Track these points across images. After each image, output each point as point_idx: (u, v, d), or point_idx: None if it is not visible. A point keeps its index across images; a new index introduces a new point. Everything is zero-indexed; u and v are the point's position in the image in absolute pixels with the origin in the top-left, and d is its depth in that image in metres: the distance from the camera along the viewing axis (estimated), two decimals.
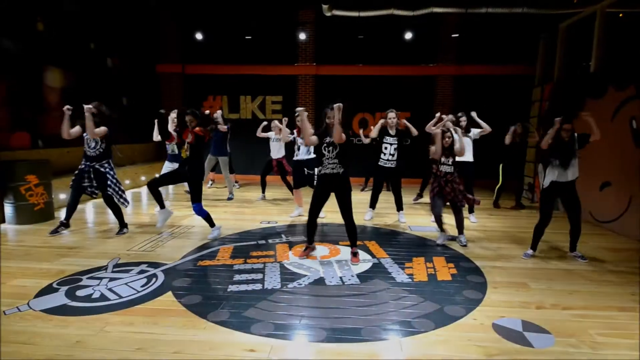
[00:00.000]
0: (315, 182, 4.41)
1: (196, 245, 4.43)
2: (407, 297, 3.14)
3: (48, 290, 3.18)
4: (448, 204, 4.61)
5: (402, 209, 5.71)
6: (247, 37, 9.21)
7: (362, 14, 7.57)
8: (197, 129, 4.35)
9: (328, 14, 7.59)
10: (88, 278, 3.44)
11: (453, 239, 4.65)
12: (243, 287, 3.28)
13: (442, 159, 4.48)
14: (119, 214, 4.81)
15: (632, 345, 2.51)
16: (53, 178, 5.48)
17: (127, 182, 8.12)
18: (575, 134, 4.00)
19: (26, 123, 5.92)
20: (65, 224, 4.77)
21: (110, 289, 3.21)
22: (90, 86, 7.47)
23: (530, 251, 4.19)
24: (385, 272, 3.69)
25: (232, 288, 3.27)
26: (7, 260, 3.87)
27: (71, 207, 4.74)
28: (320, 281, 3.45)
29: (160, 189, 4.64)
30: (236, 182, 8.49)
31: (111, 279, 3.42)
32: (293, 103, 9.80)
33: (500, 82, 9.31)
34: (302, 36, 9.33)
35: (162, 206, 4.68)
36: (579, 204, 4.01)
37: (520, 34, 8.77)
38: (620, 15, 7.09)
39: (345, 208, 3.84)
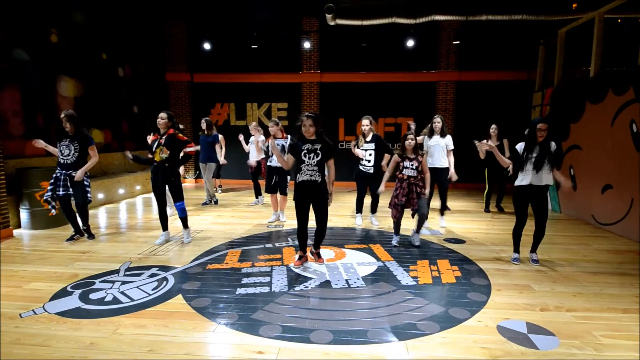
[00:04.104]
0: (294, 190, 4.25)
1: (205, 249, 4.44)
2: (412, 300, 3.13)
3: (62, 293, 3.21)
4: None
5: (375, 212, 5.71)
6: (253, 47, 9.29)
7: (365, 22, 7.60)
8: (180, 135, 4.44)
9: (332, 23, 7.64)
10: (101, 281, 3.46)
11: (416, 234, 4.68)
12: (251, 290, 3.29)
13: (406, 162, 4.36)
14: (85, 221, 4.78)
15: (636, 347, 2.47)
16: None
17: (138, 187, 8.18)
18: (553, 143, 3.77)
19: (40, 131, 5.99)
20: (80, 232, 4.82)
21: (122, 292, 3.23)
22: (102, 95, 7.57)
23: (515, 255, 4.11)
24: (390, 274, 3.68)
25: (241, 291, 3.27)
26: (22, 264, 3.91)
27: (71, 219, 4.73)
28: (326, 284, 3.44)
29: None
30: (219, 186, 8.79)
31: (123, 282, 3.44)
32: (298, 109, 9.85)
33: (500, 88, 9.29)
34: (307, 45, 9.39)
35: (165, 228, 4.72)
36: (547, 209, 3.93)
37: (520, 39, 8.77)
38: (619, 20, 7.07)
39: (320, 215, 3.74)
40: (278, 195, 5.78)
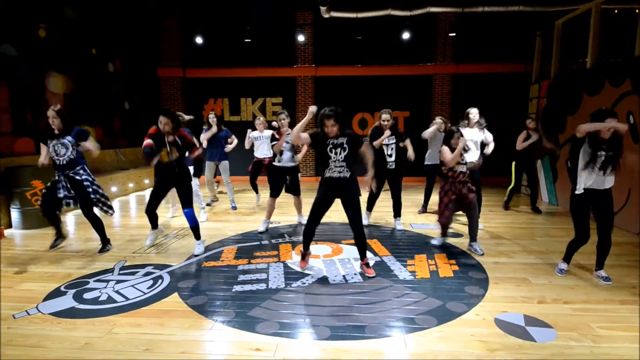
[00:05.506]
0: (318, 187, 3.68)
1: None
2: (409, 294, 3.15)
3: (56, 293, 3.20)
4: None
5: (399, 216, 5.28)
6: (246, 40, 9.23)
7: (360, 15, 7.57)
8: (188, 137, 4.02)
9: (326, 16, 7.60)
10: (95, 281, 3.45)
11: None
12: (248, 287, 3.29)
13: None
14: (100, 228, 4.27)
15: (633, 338, 2.51)
16: None
17: (131, 185, 8.14)
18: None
19: (30, 129, 5.93)
20: (61, 236, 4.25)
21: (117, 291, 3.23)
22: (93, 91, 7.50)
23: (563, 265, 3.60)
24: (387, 269, 3.70)
25: (237, 288, 3.28)
26: (15, 264, 3.88)
27: (55, 222, 4.19)
28: (323, 280, 3.46)
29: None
30: (217, 182, 8.02)
31: (118, 281, 3.43)
32: (293, 104, 9.83)
33: (497, 80, 9.33)
34: (301, 38, 9.34)
35: (155, 227, 4.29)
36: (613, 216, 3.38)
37: (516, 31, 8.79)
38: (616, 11, 7.09)
39: (354, 214, 3.47)
40: (280, 198, 5.14)
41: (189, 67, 9.94)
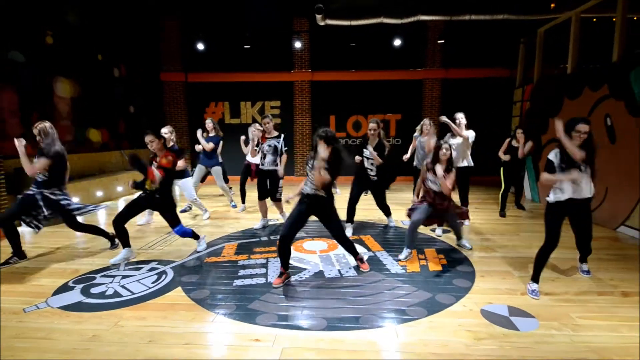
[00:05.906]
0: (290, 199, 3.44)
1: None
2: (401, 287, 3.17)
3: (64, 288, 3.18)
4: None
5: (390, 215, 5.10)
6: (246, 47, 9.21)
7: (354, 22, 7.58)
8: (164, 161, 3.81)
9: (322, 24, 7.60)
10: (102, 276, 3.44)
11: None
12: (248, 281, 3.30)
13: (429, 175, 3.83)
14: (99, 232, 4.16)
15: (610, 327, 2.55)
16: None
17: None
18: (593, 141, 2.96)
19: None
20: (19, 255, 3.87)
21: (122, 286, 3.22)
22: (98, 95, 7.45)
23: (534, 286, 3.06)
24: (380, 264, 3.71)
25: (238, 282, 3.28)
26: (24, 261, 3.86)
27: (14, 238, 3.81)
28: (319, 274, 3.47)
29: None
30: (230, 187, 7.50)
31: (123, 277, 3.42)
32: (291, 107, 9.83)
33: (484, 84, 9.38)
34: (298, 44, 9.34)
35: (126, 244, 3.88)
36: (591, 227, 3.19)
37: (502, 38, 8.84)
38: (594, 19, 7.16)
39: (333, 226, 3.38)
40: (269, 200, 5.03)
41: (190, 72, 9.90)
